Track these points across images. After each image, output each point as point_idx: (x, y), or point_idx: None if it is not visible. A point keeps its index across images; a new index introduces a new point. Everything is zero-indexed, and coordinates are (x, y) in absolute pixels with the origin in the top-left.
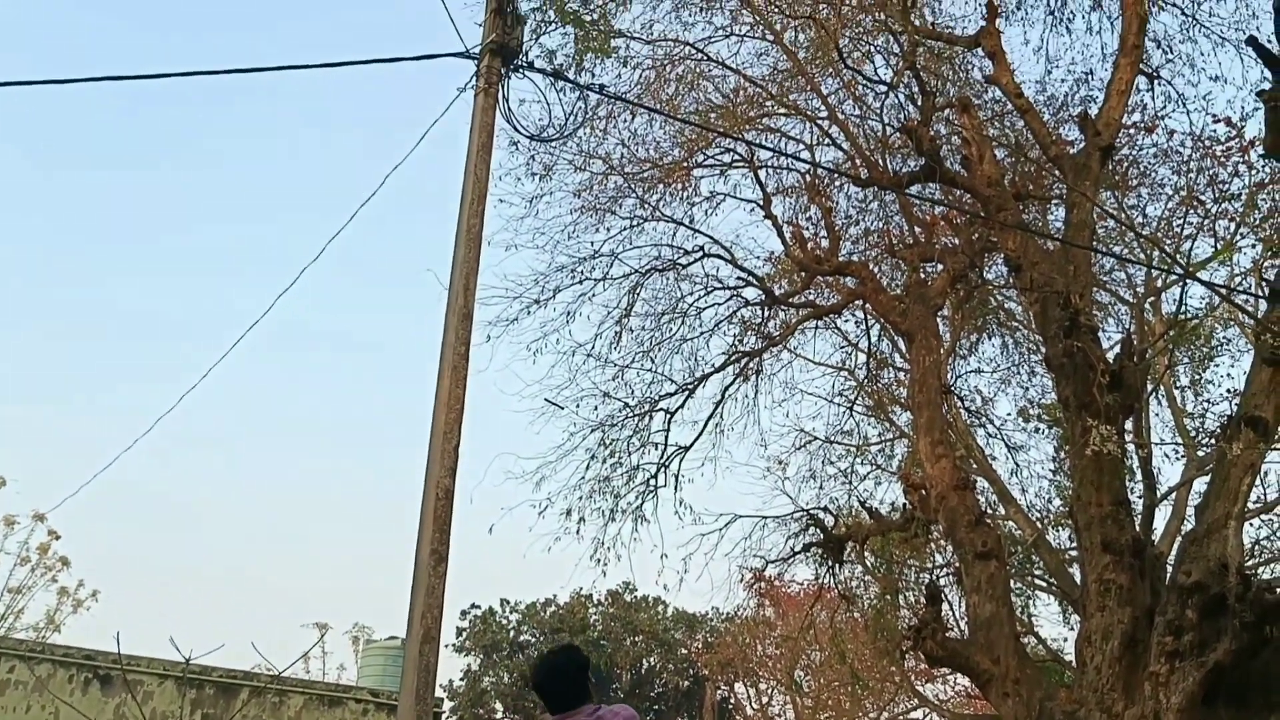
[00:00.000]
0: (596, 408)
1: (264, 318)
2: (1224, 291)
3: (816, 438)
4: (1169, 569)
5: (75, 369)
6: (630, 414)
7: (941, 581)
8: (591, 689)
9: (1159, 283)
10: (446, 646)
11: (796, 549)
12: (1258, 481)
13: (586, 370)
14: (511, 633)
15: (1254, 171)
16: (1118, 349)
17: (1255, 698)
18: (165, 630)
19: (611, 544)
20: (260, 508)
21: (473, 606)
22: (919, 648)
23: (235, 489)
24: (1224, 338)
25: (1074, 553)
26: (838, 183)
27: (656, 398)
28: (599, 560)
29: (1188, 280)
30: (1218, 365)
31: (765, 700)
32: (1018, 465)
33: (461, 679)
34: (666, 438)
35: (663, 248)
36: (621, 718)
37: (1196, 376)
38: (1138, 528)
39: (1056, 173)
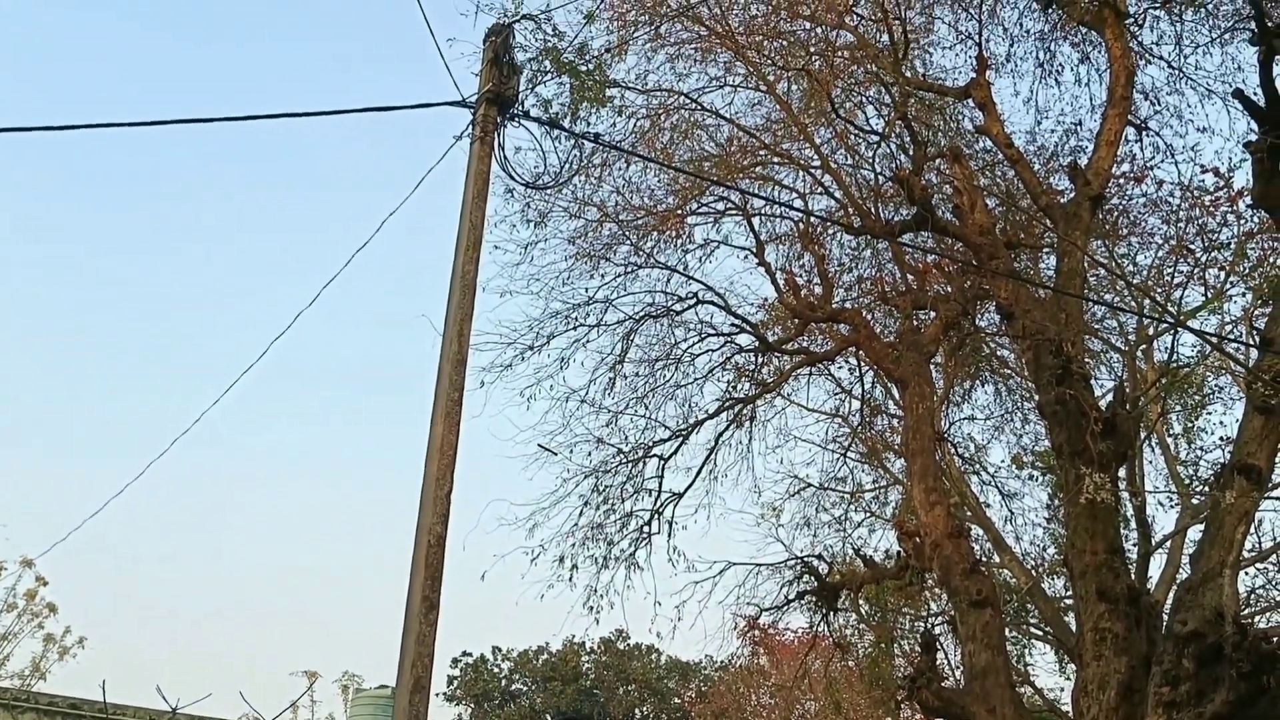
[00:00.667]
0: (590, 454)
1: (259, 361)
2: (1214, 340)
3: (810, 484)
4: (1165, 617)
5: (66, 406)
6: (624, 460)
7: (936, 630)
8: None
9: (1150, 331)
10: (438, 695)
11: (790, 597)
12: (1252, 530)
13: (580, 416)
14: (503, 681)
15: (1242, 221)
16: (1110, 396)
17: None
18: (152, 679)
19: (604, 591)
20: (250, 555)
21: (464, 654)
22: (914, 698)
23: (225, 536)
24: (1216, 385)
25: (1069, 601)
26: (831, 231)
27: (650, 444)
28: (592, 608)
29: (1179, 328)
30: (1210, 413)
31: None
32: (1012, 513)
33: None
34: (660, 484)
35: (657, 294)
36: None
37: (1189, 424)
38: (1133, 576)
39: (1047, 221)
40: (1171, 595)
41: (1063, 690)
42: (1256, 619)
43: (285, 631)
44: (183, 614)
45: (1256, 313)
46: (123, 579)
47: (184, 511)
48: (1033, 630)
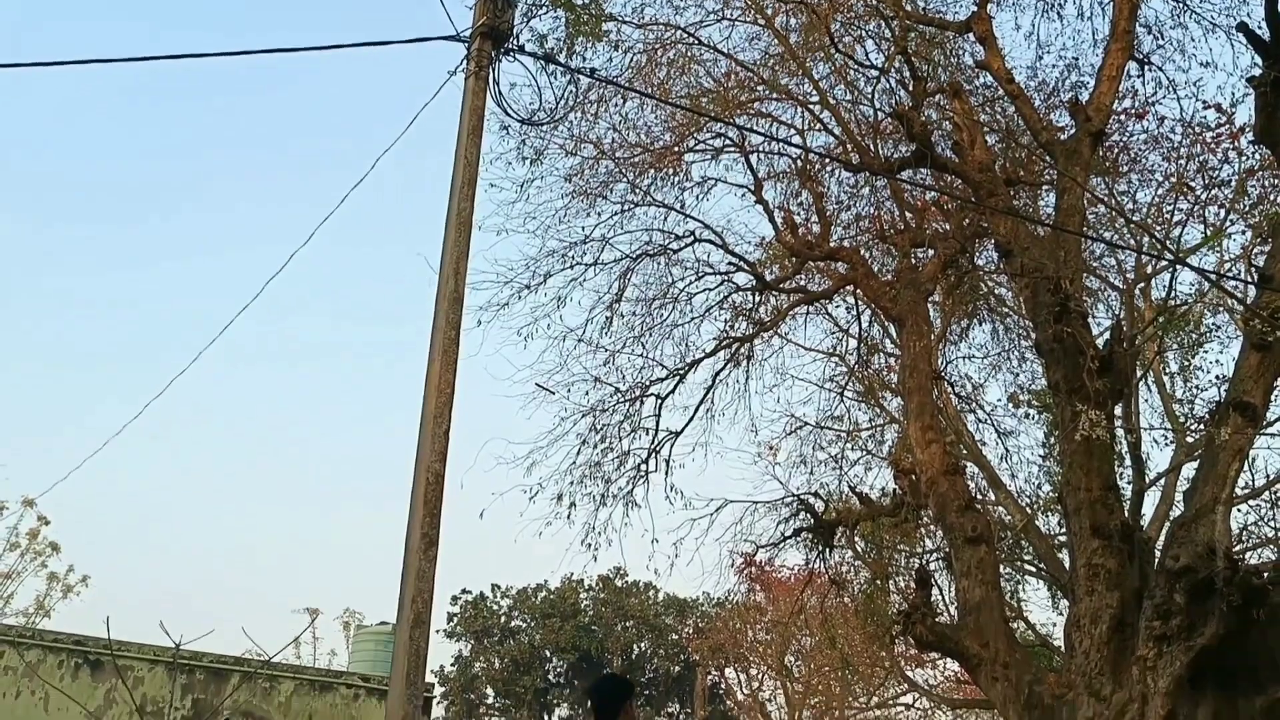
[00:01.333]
0: (587, 393)
1: (254, 301)
2: (1214, 277)
3: (807, 423)
4: (1157, 554)
5: (64, 353)
6: (621, 399)
7: (931, 566)
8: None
9: (1149, 269)
10: (438, 632)
11: (787, 534)
12: (1246, 467)
13: (577, 355)
14: (503, 618)
15: (1244, 158)
16: (1108, 334)
17: (1242, 680)
18: (155, 616)
19: (602, 529)
20: (251, 494)
21: (464, 592)
22: (909, 632)
23: (226, 474)
24: (1213, 324)
25: (1063, 538)
26: (829, 168)
27: (647, 383)
28: (590, 545)
29: (1177, 266)
30: (1207, 351)
31: (756, 685)
32: (1008, 451)
33: (453, 664)
34: (657, 423)
35: (654, 233)
36: None
37: (1186, 362)
38: (1127, 512)
39: (1047, 158)
40: (1164, 532)
41: (1055, 625)
42: (1247, 555)
43: (287, 571)
44: (185, 553)
45: (1255, 250)
46: (125, 518)
47: (187, 451)
48: (1026, 567)
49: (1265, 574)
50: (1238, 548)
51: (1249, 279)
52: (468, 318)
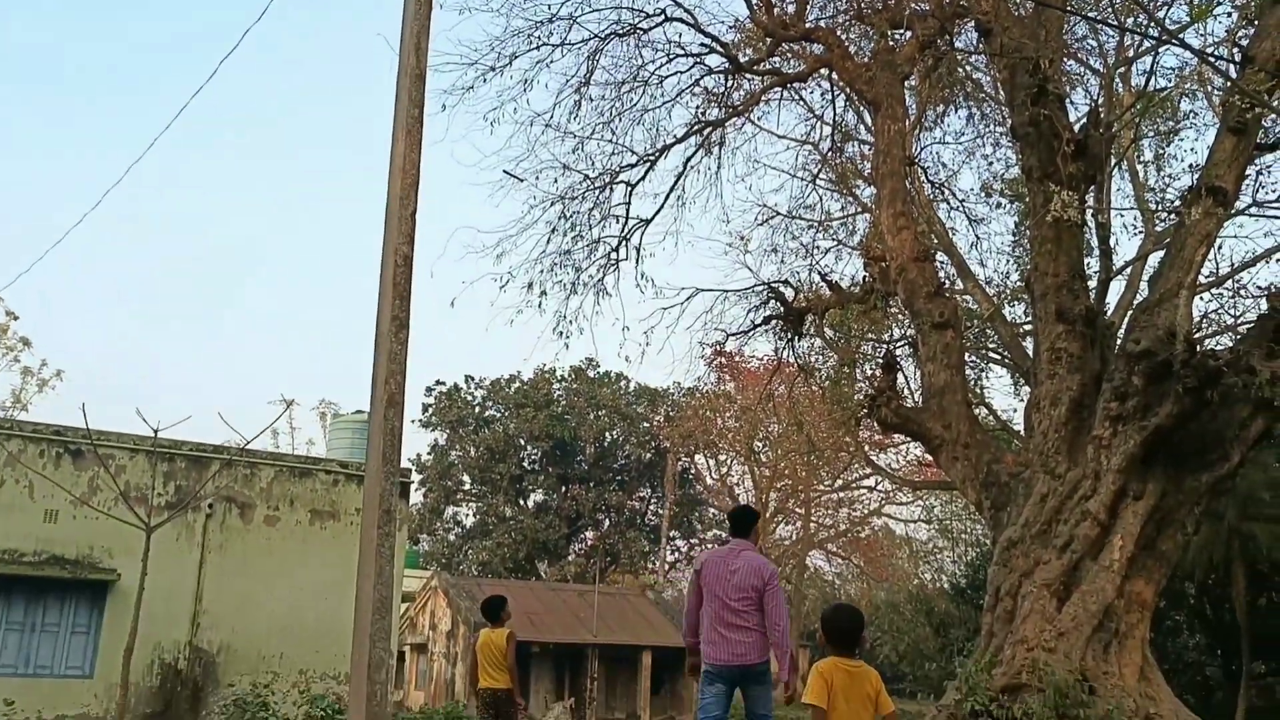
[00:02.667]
0: (556, 180)
1: (210, 80)
2: (1198, 53)
3: (779, 212)
4: (1119, 339)
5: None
6: (591, 186)
7: (898, 352)
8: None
9: (1130, 52)
10: (413, 422)
11: (757, 322)
12: (1212, 253)
13: (545, 142)
14: (476, 408)
15: None
16: (1084, 119)
17: (1191, 458)
18: (132, 407)
19: (573, 317)
20: (223, 286)
21: (438, 383)
22: (874, 415)
23: (197, 266)
24: (1191, 110)
25: (1028, 327)
26: None
27: (617, 169)
28: (561, 333)
29: (1159, 50)
30: (1182, 139)
31: (725, 470)
32: (978, 239)
33: (429, 453)
34: (628, 210)
35: (623, 10)
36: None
37: (1161, 149)
38: (1092, 299)
39: None
40: (1127, 318)
41: (1015, 411)
42: (1206, 342)
43: (263, 363)
44: (160, 347)
45: (1240, 34)
46: (96, 313)
47: (154, 242)
48: (991, 354)
49: (1221, 357)
50: (1197, 334)
51: (1232, 59)
52: (432, 102)
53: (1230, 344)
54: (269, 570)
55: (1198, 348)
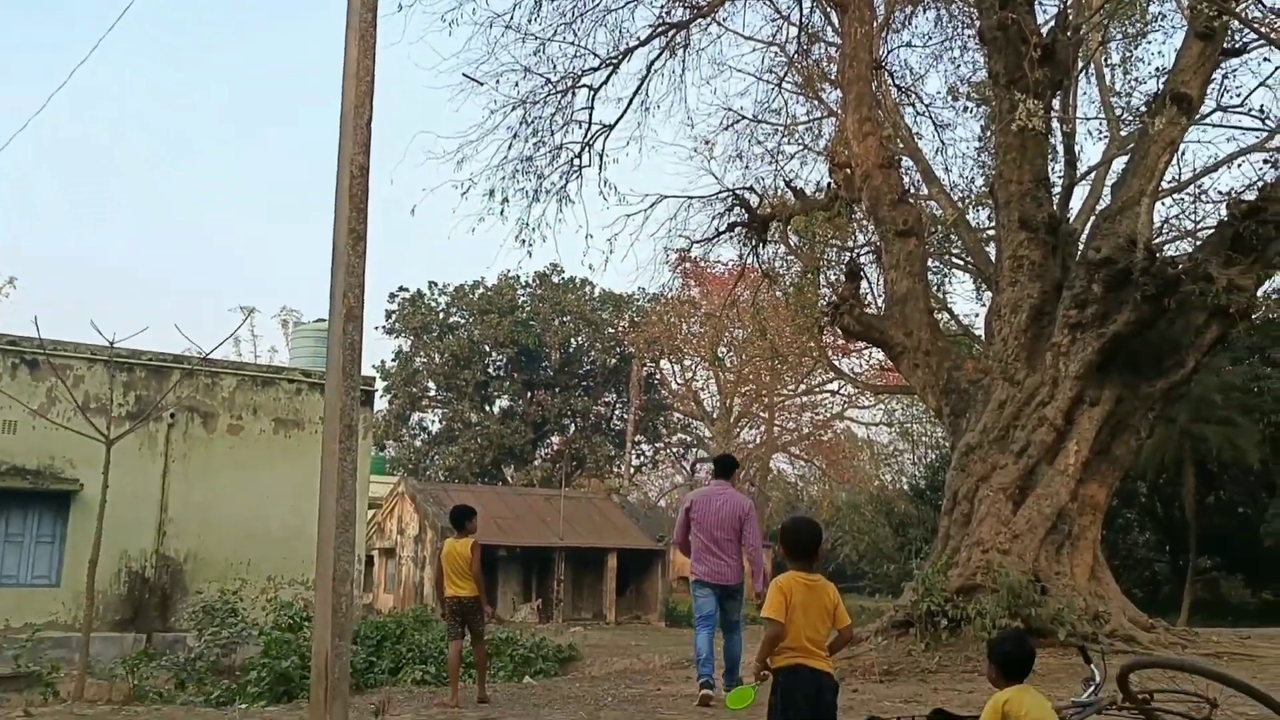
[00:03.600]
0: (517, 84)
1: None
2: None
3: (744, 117)
4: (1080, 246)
5: None
6: (552, 91)
7: (861, 260)
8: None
9: None
10: (377, 329)
11: (721, 229)
12: (1175, 161)
13: (506, 44)
14: (440, 314)
15: None
16: (1052, 22)
17: (1147, 365)
18: (88, 318)
19: (536, 225)
20: (177, 195)
21: (401, 289)
22: (837, 323)
23: (151, 175)
24: (1159, 13)
25: (991, 232)
26: None
27: (579, 73)
28: (524, 241)
29: None
30: (1149, 42)
31: (689, 376)
32: (943, 144)
33: (394, 360)
34: (590, 115)
35: None
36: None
37: (1128, 53)
38: (1055, 204)
39: None
40: (1089, 226)
41: (977, 316)
42: (1166, 248)
43: (222, 271)
44: (115, 257)
45: None
46: (49, 220)
47: (110, 151)
48: (954, 260)
49: (1180, 265)
50: (1158, 240)
51: None
52: (388, 1)
53: (1190, 250)
54: (234, 479)
55: (1157, 256)
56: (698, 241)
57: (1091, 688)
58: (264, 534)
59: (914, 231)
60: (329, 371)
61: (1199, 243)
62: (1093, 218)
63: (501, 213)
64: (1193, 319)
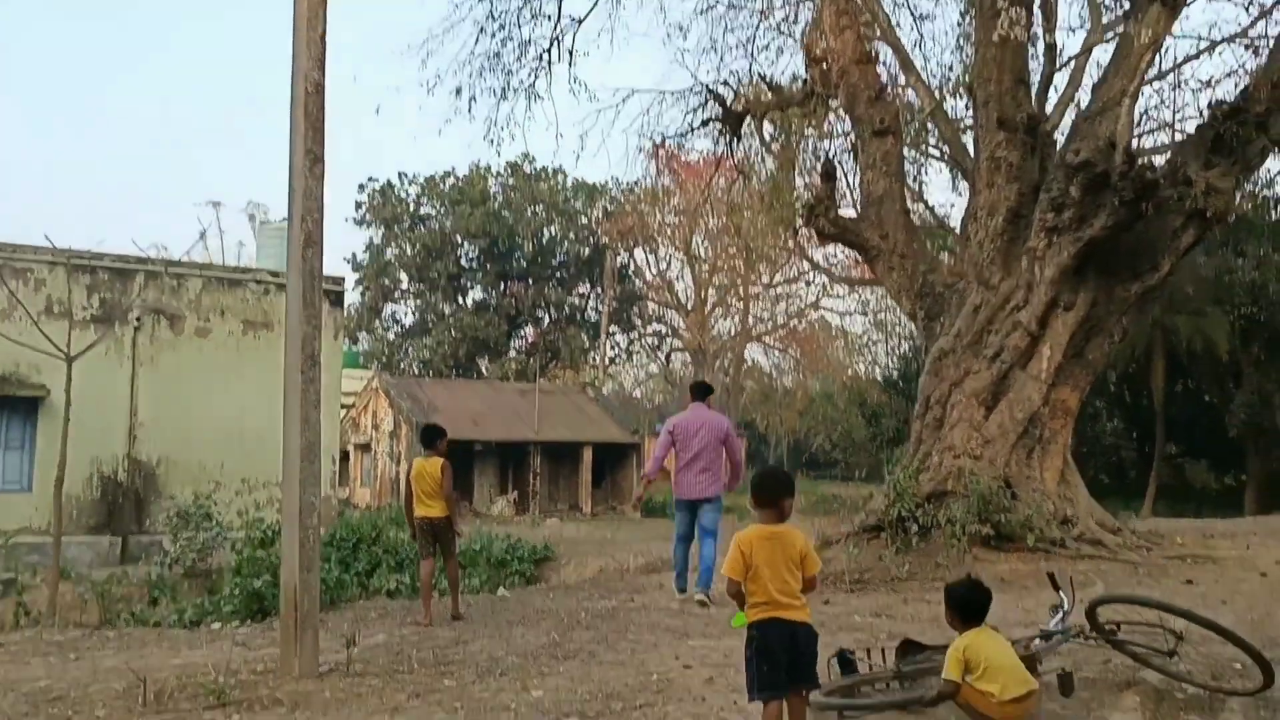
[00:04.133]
0: None
1: None
2: None
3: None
4: (1058, 147)
5: None
6: None
7: (836, 159)
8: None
9: None
10: (346, 220)
11: (695, 124)
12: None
13: None
14: (411, 205)
15: None
16: None
17: (1122, 269)
18: (58, 220)
19: (505, 123)
20: (137, 87)
21: (370, 180)
22: (811, 225)
23: (117, 71)
24: None
25: (969, 122)
26: None
27: None
28: (492, 141)
29: None
30: None
31: (664, 266)
32: (922, 36)
33: (365, 252)
34: (560, 7)
35: None
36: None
37: None
38: (1034, 100)
39: None
40: (1067, 123)
41: (953, 206)
42: (1145, 138)
43: (185, 168)
44: (73, 155)
45: None
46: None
47: (72, 45)
48: (931, 152)
49: (1158, 170)
50: (1136, 132)
51: None
52: None
53: (1167, 143)
54: (204, 382)
55: (1136, 158)
56: (671, 137)
57: (1059, 615)
58: (236, 436)
59: (891, 130)
60: (289, 300)
61: (1177, 136)
62: (1070, 109)
63: (469, 112)
64: (1170, 222)
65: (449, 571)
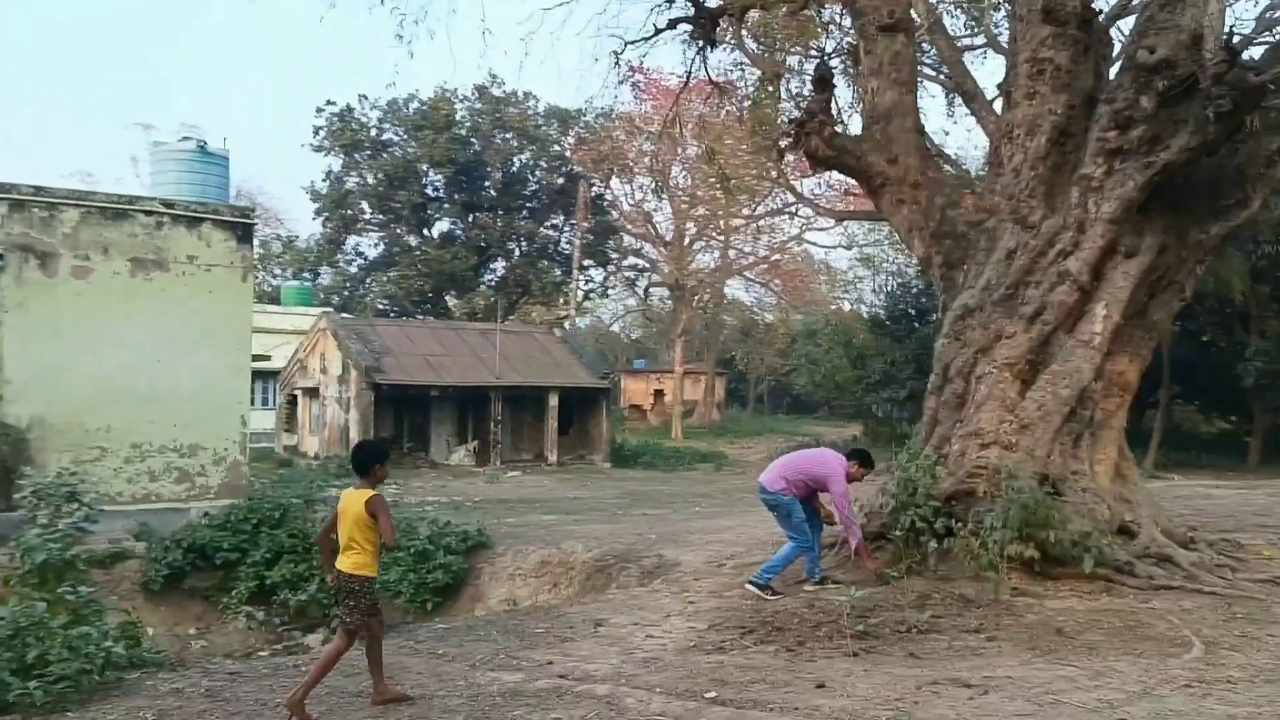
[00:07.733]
0: None
1: None
2: None
3: None
4: (1118, 45)
5: None
6: None
7: (834, 66)
8: None
9: None
10: (303, 146)
11: (661, 26)
12: None
13: None
14: (373, 131)
15: None
16: None
17: (1198, 203)
18: None
19: (419, 17)
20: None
21: (329, 103)
22: (802, 145)
23: None
24: None
25: (968, 41)
26: None
27: None
28: (402, 37)
29: None
30: None
31: (641, 196)
32: None
33: (324, 180)
34: None
35: None
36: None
37: None
38: None
39: None
40: (1136, 18)
41: (948, 134)
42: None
43: (117, 84)
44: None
45: None
46: None
47: None
48: (925, 71)
49: (1264, 70)
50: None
51: None
52: None
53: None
54: (85, 331)
55: (1238, 55)
56: (632, 42)
57: None
58: (127, 394)
59: (902, 26)
60: None
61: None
62: (1136, 3)
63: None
64: (1264, 145)
65: (369, 650)
